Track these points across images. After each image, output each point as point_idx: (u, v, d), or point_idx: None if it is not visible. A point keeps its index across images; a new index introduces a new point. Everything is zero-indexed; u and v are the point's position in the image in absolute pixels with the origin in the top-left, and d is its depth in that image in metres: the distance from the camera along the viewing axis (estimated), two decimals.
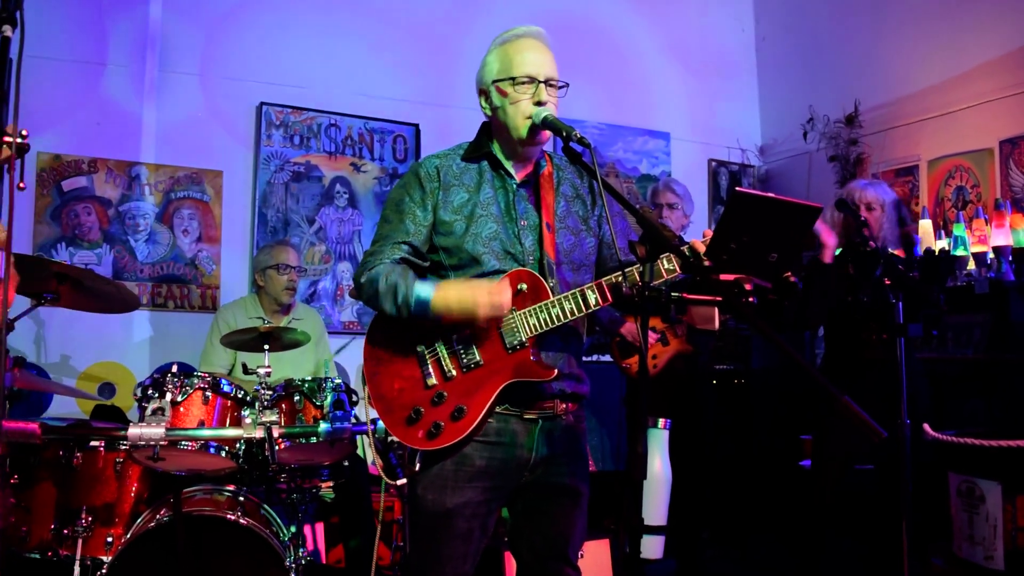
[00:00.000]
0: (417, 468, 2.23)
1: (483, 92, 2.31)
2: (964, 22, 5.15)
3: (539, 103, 2.21)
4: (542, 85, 2.22)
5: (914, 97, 5.47)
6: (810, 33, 6.30)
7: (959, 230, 4.75)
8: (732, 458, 5.25)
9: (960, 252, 4.68)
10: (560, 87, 2.27)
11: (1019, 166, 4.83)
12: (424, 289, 2.14)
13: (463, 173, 2.30)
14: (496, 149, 2.33)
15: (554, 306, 2.15)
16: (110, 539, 3.16)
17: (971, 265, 4.65)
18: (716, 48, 6.68)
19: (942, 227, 5.10)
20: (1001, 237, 4.51)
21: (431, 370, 2.20)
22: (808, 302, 3.58)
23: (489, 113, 2.31)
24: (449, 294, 2.13)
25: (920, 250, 4.78)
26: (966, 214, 4.88)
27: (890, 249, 3.76)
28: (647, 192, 4.91)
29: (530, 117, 2.20)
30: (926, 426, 3.60)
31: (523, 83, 2.21)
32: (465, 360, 2.18)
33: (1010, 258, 4.47)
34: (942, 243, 4.87)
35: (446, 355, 2.19)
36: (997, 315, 4.28)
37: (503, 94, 2.24)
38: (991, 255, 4.56)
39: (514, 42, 2.27)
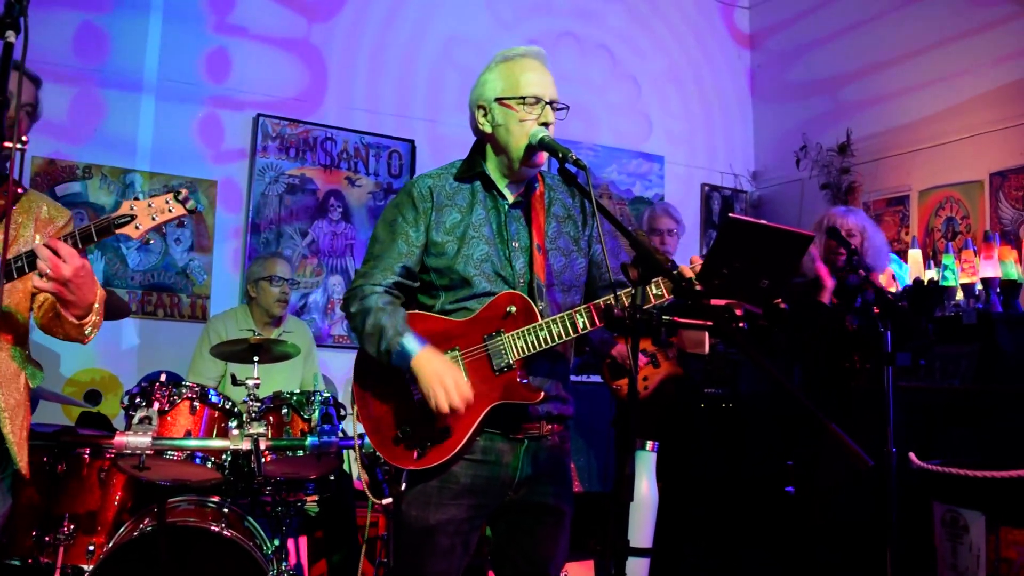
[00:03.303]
0: (403, 487, 2.23)
1: (482, 108, 2.29)
2: (957, 55, 5.21)
3: (545, 123, 2.22)
4: (548, 106, 2.23)
5: (906, 128, 5.51)
6: (804, 62, 6.36)
7: (948, 261, 4.78)
8: (721, 481, 5.23)
9: (949, 283, 4.71)
10: (560, 109, 2.27)
11: (1008, 199, 4.88)
12: (412, 345, 2.12)
13: (456, 193, 2.29)
14: (490, 168, 2.32)
15: (542, 329, 2.15)
16: (92, 547, 3.14)
17: (959, 296, 4.68)
18: (711, 74, 6.73)
19: (931, 257, 5.14)
20: (989, 269, 4.55)
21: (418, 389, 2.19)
22: (800, 334, 3.61)
23: (488, 130, 2.28)
24: (429, 368, 2.10)
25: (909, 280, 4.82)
26: (955, 245, 4.92)
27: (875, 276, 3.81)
28: (643, 216, 4.93)
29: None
30: (911, 455, 3.61)
31: (531, 103, 2.22)
32: None
33: (998, 290, 4.50)
34: (931, 273, 4.90)
35: None
36: (984, 346, 4.29)
37: (509, 111, 2.23)
38: (979, 286, 4.59)
39: (518, 61, 2.27)
